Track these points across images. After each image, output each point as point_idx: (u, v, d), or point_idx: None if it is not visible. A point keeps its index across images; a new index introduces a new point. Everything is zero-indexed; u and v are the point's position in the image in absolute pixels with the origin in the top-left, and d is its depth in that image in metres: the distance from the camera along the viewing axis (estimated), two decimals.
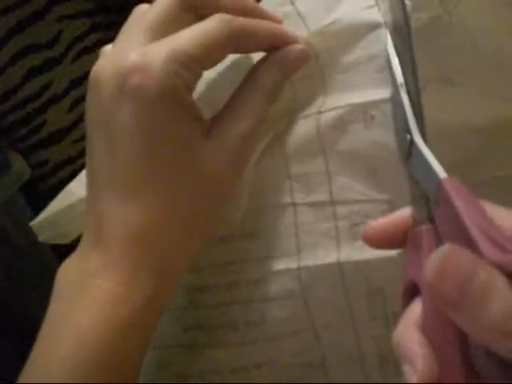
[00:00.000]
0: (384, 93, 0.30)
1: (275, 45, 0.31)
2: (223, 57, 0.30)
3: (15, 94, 0.53)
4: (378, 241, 0.26)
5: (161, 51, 0.28)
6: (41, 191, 0.59)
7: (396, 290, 0.31)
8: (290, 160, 0.32)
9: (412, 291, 0.24)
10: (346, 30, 0.31)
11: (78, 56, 0.52)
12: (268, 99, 0.31)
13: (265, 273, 0.32)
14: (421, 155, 0.25)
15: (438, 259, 0.19)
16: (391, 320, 0.31)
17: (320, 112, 0.32)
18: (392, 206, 0.30)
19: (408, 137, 0.26)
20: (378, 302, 0.31)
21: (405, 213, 0.26)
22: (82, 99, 0.55)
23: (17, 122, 0.55)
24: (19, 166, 0.55)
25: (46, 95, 0.53)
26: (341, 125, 0.31)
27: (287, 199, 0.32)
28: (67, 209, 0.36)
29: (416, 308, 0.23)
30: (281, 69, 0.31)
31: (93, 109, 0.29)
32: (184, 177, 0.29)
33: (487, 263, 0.19)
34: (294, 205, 0.32)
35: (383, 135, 0.30)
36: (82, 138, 0.57)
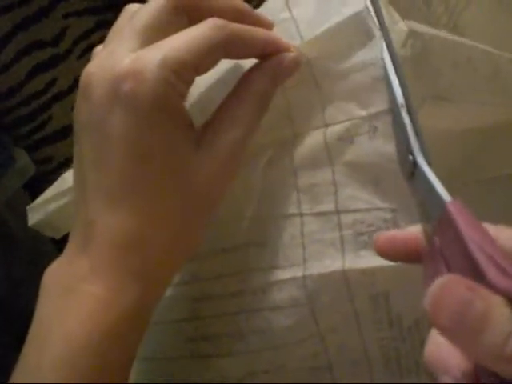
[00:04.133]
0: (384, 103, 0.30)
1: (267, 52, 0.31)
2: (216, 62, 0.30)
3: (20, 90, 0.53)
4: (388, 251, 0.26)
5: (154, 57, 0.27)
6: (45, 188, 0.59)
7: (400, 293, 0.31)
8: (298, 171, 0.32)
9: None
10: (339, 38, 0.31)
11: (83, 53, 0.52)
12: (259, 107, 0.31)
13: (271, 282, 0.33)
14: (424, 177, 0.25)
15: (436, 289, 0.20)
16: (395, 322, 0.31)
17: (327, 125, 0.32)
18: (395, 215, 0.30)
19: (411, 158, 0.26)
20: (382, 305, 0.31)
21: (414, 229, 0.26)
22: None
23: (22, 119, 0.55)
24: (23, 163, 0.55)
25: (51, 92, 0.53)
26: (347, 137, 0.31)
27: (294, 210, 0.32)
28: (59, 195, 0.37)
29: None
30: (272, 76, 0.31)
31: (83, 112, 0.29)
32: (173, 185, 0.29)
33: (486, 289, 0.19)
34: (301, 215, 0.32)
35: (386, 145, 0.30)
36: None
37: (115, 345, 0.27)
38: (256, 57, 0.31)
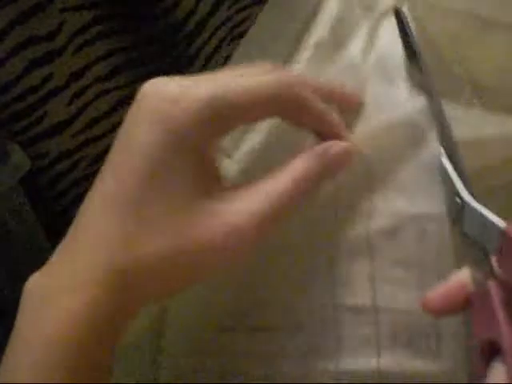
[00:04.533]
0: (440, 206, 0.29)
1: (319, 129, 0.31)
2: (265, 116, 0.30)
3: (16, 85, 0.53)
4: (440, 309, 0.26)
5: (202, 91, 0.28)
6: (40, 183, 0.59)
7: None
8: (336, 260, 0.32)
9: (488, 351, 0.24)
10: (394, 134, 0.31)
11: (79, 48, 0.51)
12: (294, 187, 0.29)
13: (303, 371, 0.32)
14: (474, 212, 0.25)
15: None
16: None
17: (371, 216, 0.31)
18: (437, 320, 0.30)
19: (458, 200, 0.26)
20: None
21: (461, 276, 0.26)
22: (82, 92, 0.55)
23: (17, 114, 0.55)
24: (19, 158, 0.55)
25: (47, 87, 0.53)
26: (393, 233, 0.31)
27: (328, 299, 0.32)
28: None
29: (500, 368, 0.23)
30: (318, 161, 0.30)
31: (130, 119, 0.29)
32: (174, 228, 0.28)
33: None
34: (335, 306, 0.32)
35: (435, 247, 0.30)
36: (82, 130, 0.57)
37: (91, 351, 0.28)
38: (307, 128, 0.31)
